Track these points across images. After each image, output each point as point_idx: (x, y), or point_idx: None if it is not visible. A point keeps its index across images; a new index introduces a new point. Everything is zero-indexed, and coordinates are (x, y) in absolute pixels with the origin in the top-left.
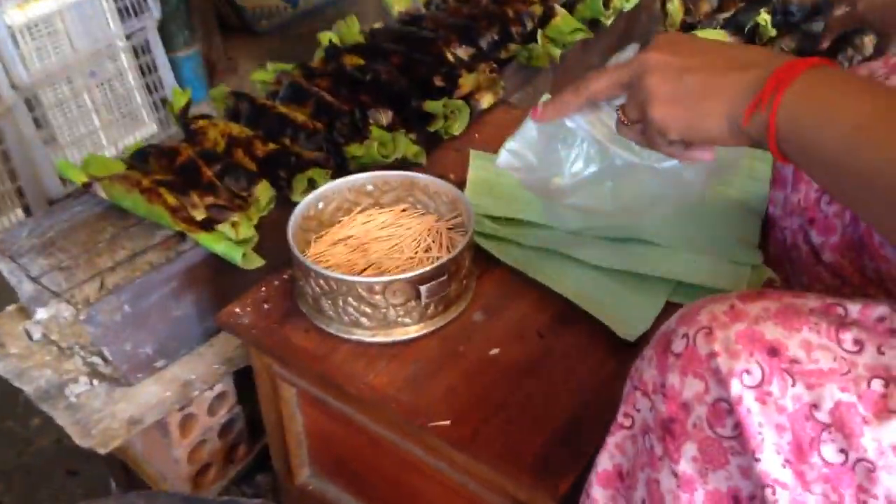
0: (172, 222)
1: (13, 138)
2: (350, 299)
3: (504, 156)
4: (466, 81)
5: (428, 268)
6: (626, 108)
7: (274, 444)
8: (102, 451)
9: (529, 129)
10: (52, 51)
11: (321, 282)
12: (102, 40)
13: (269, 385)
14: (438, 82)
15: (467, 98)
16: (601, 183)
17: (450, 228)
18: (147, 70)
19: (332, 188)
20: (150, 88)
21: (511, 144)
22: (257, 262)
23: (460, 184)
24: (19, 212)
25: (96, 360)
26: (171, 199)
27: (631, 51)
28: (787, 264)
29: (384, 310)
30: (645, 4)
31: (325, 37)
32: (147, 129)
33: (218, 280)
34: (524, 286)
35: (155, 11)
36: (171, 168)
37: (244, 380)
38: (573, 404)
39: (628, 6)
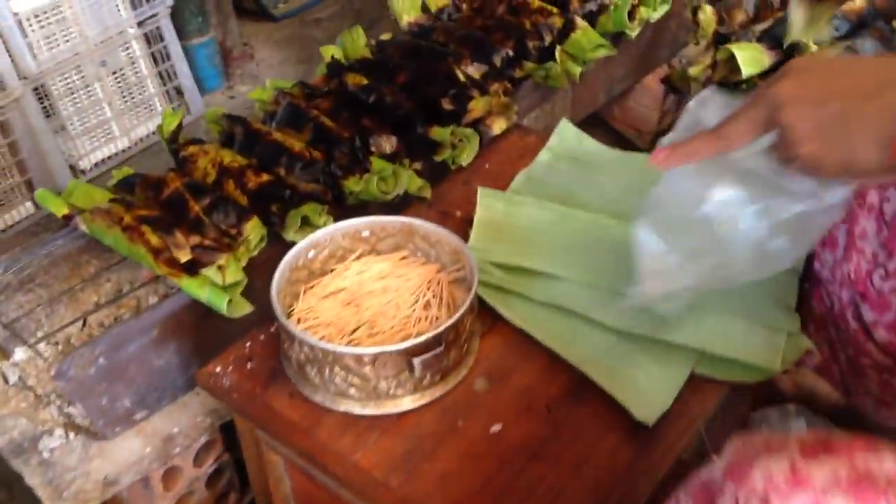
0: (154, 265)
1: (22, 129)
2: (337, 369)
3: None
4: (477, 105)
5: (422, 338)
6: (776, 148)
7: None
8: None
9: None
10: (61, 39)
11: (306, 348)
12: (113, 28)
13: (255, 448)
14: (447, 105)
15: (478, 123)
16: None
17: (452, 281)
18: (160, 58)
19: (324, 235)
20: (164, 77)
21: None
22: (245, 308)
23: (467, 221)
24: (29, 205)
25: (73, 410)
26: (154, 240)
27: (711, 98)
28: (832, 329)
29: (374, 381)
30: (674, 12)
31: (328, 51)
32: (160, 119)
33: (204, 325)
34: (533, 348)
35: None
36: (157, 200)
37: (233, 425)
38: (586, 499)
39: (655, 16)
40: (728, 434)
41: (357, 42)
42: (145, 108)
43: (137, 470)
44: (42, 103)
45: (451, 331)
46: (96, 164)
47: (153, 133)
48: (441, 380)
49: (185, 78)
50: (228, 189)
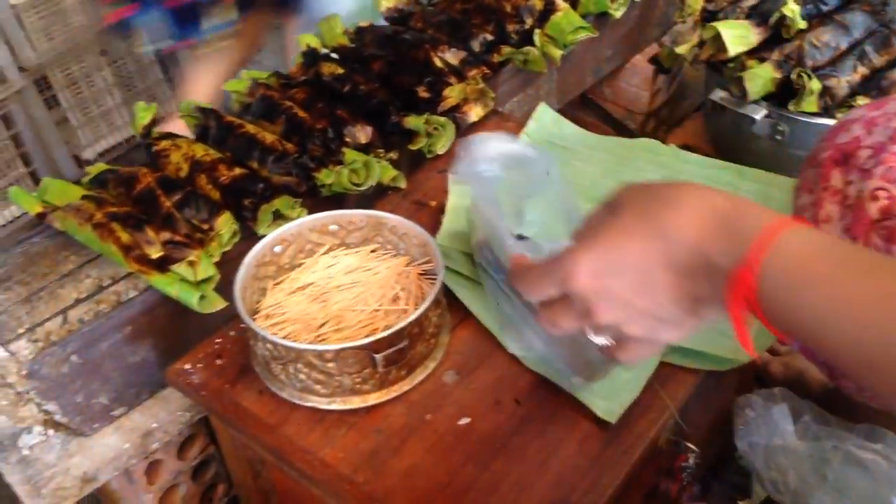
0: (125, 262)
1: (24, 122)
2: (300, 366)
3: None
4: (452, 93)
5: (384, 334)
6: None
7: (244, 498)
8: None
9: None
10: (61, 29)
11: (269, 345)
12: None
13: (231, 443)
14: (423, 93)
15: (454, 111)
16: None
17: (422, 273)
18: None
19: (291, 229)
20: (166, 64)
21: None
22: (218, 303)
23: (443, 211)
24: None
25: (51, 407)
26: (125, 236)
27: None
28: None
29: (339, 377)
30: None
31: (304, 39)
32: (164, 107)
33: (179, 320)
34: None
35: None
36: (128, 196)
37: None
38: (550, 495)
39: None
40: (707, 420)
41: (334, 30)
42: (148, 96)
43: (116, 466)
44: (43, 95)
45: (416, 325)
46: (101, 154)
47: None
48: (408, 374)
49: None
50: (201, 184)
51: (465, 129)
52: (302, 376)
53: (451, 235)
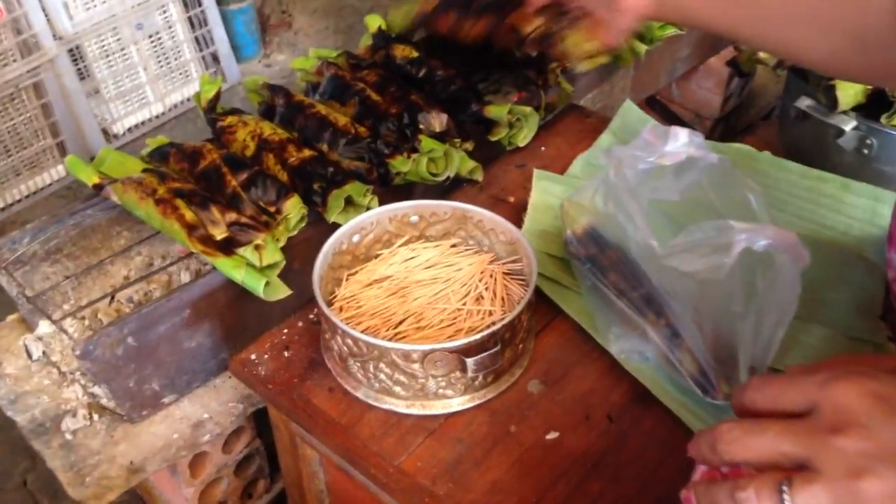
0: (188, 242)
1: (55, 91)
2: (382, 365)
3: None
4: None
5: (477, 336)
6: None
7: (293, 498)
8: None
9: None
10: (98, 0)
11: (349, 341)
12: None
13: (289, 440)
14: None
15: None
16: None
17: (507, 273)
18: (197, 23)
19: (370, 218)
20: (200, 43)
21: None
22: (283, 291)
23: (521, 208)
24: (61, 168)
25: (98, 390)
26: (189, 215)
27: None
28: None
29: (422, 380)
30: None
31: (374, 21)
32: (195, 86)
33: (237, 306)
34: (593, 348)
35: None
36: (192, 173)
37: (265, 411)
38: None
39: None
40: None
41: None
42: (181, 73)
43: (164, 457)
44: (77, 65)
45: (508, 329)
46: (129, 129)
47: (188, 99)
48: (493, 381)
49: (222, 44)
50: (268, 164)
51: (543, 124)
52: (382, 376)
53: (535, 235)
